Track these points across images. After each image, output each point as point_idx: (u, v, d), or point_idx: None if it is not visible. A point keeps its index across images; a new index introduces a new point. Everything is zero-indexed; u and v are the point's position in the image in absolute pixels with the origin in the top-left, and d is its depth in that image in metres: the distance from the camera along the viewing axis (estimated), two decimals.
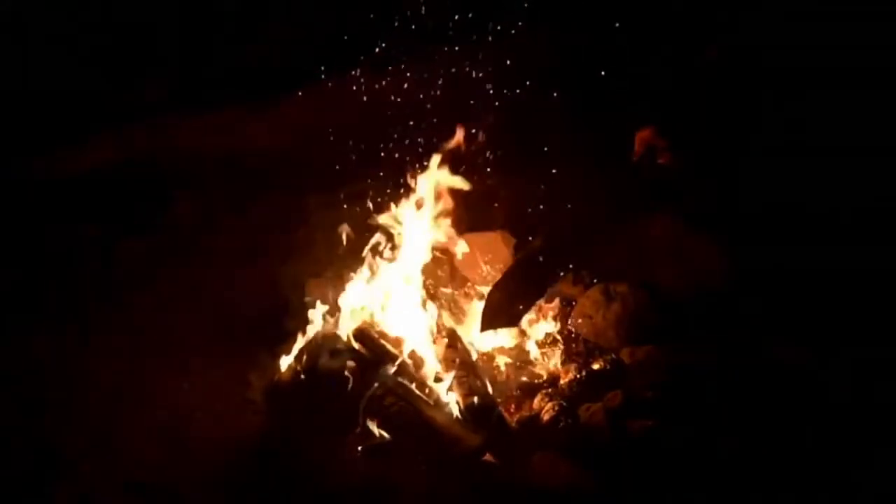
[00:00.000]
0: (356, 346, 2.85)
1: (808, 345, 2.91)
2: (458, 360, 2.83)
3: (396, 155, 3.61)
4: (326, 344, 2.89)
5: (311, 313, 3.02)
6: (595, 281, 3.36)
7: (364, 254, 3.17)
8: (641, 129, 2.91)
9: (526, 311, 3.05)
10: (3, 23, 4.86)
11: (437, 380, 2.79)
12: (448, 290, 3.32)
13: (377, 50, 4.01)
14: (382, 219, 3.22)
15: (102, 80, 4.94)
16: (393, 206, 3.23)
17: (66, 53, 4.93)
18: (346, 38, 4.12)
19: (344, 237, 3.25)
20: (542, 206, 3.59)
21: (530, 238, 3.31)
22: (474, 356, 2.98)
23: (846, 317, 2.99)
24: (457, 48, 3.98)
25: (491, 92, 3.79)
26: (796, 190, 3.26)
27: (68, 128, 4.57)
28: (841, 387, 2.75)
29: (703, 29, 3.08)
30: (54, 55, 4.91)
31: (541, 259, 2.97)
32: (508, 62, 3.87)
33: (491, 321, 2.98)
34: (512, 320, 3.03)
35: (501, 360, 3.09)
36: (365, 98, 4.03)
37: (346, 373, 2.74)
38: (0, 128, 4.45)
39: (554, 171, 3.63)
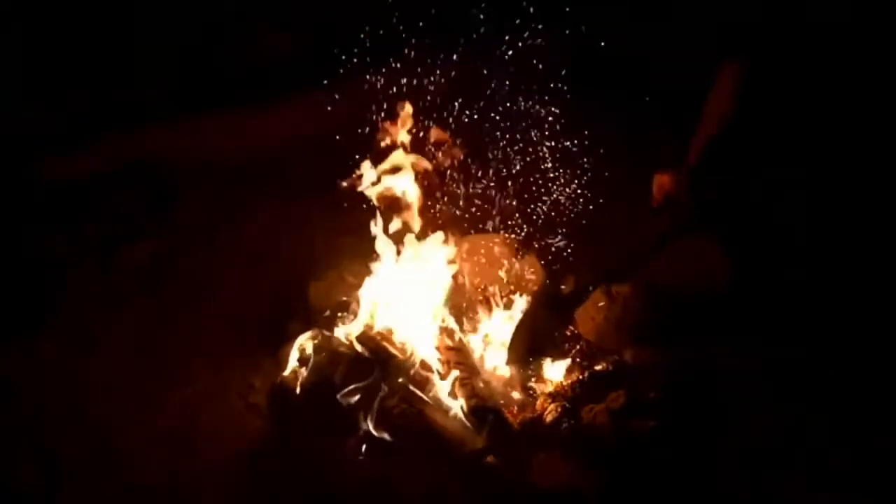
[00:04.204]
0: (359, 348, 2.86)
1: (808, 344, 2.91)
2: (461, 363, 2.83)
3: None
4: (330, 347, 2.90)
5: (314, 316, 3.03)
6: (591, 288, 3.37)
7: (367, 256, 3.18)
8: (660, 175, 2.90)
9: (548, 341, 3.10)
10: (3, 24, 4.86)
11: (441, 382, 2.80)
12: (451, 292, 3.31)
13: (379, 53, 4.01)
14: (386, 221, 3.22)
15: (103, 83, 4.94)
16: (396, 207, 3.24)
17: (66, 55, 4.93)
18: (347, 41, 4.12)
19: (347, 241, 3.25)
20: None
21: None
22: (477, 358, 2.98)
23: (847, 316, 3.00)
24: (461, 51, 3.99)
25: (494, 96, 3.82)
26: (797, 190, 3.26)
27: (70, 130, 4.57)
28: (841, 384, 2.76)
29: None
30: (55, 57, 4.92)
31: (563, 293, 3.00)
32: (514, 67, 3.90)
33: (516, 356, 3.04)
34: (537, 350, 3.09)
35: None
36: (366, 100, 4.02)
37: (349, 376, 2.74)
38: (2, 131, 4.45)
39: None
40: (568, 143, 3.83)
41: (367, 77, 4.04)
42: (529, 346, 3.03)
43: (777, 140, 2.94)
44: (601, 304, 3.20)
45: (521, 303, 3.24)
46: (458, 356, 2.88)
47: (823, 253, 3.15)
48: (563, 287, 3.04)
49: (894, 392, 2.68)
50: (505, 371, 3.03)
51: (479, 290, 3.33)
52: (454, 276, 3.28)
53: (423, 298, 3.12)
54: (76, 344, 3.15)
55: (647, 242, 3.05)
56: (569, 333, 3.21)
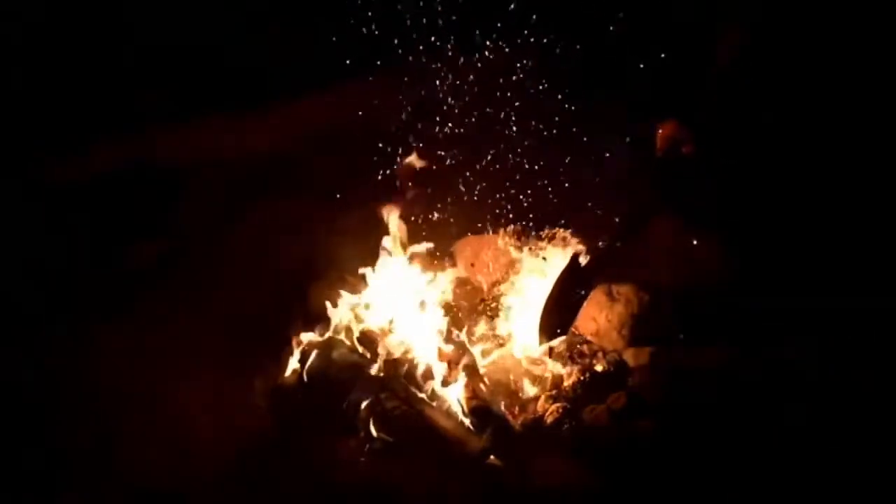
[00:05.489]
0: (360, 349, 2.86)
1: (809, 344, 2.91)
2: (461, 364, 2.83)
3: (398, 159, 3.62)
4: (330, 347, 2.90)
5: (315, 316, 3.03)
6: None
7: (368, 258, 3.18)
8: (662, 124, 2.86)
9: (574, 319, 3.05)
10: (3, 24, 4.86)
11: (442, 383, 2.80)
12: (452, 293, 3.32)
13: (379, 55, 4.02)
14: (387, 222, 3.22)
15: (103, 83, 4.94)
16: (395, 211, 3.24)
17: (67, 55, 4.93)
18: (346, 43, 4.12)
19: (347, 241, 3.25)
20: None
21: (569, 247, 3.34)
22: (477, 359, 2.98)
23: (847, 316, 3.00)
24: (460, 53, 3.98)
25: (497, 94, 3.82)
26: (797, 186, 3.26)
27: (71, 133, 4.57)
28: (842, 385, 2.76)
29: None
30: (55, 57, 4.92)
31: (582, 267, 2.97)
32: (512, 65, 3.89)
33: (547, 335, 2.98)
34: (564, 330, 3.04)
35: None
36: (367, 102, 4.03)
37: (350, 376, 2.74)
38: (3, 134, 4.45)
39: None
40: (563, 134, 3.82)
41: (367, 78, 4.05)
42: (559, 323, 2.98)
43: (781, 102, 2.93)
44: (602, 304, 3.20)
45: (536, 289, 3.22)
46: (459, 356, 2.88)
47: (823, 252, 3.16)
48: (581, 260, 2.99)
49: (894, 392, 2.69)
50: (517, 360, 3.02)
51: (486, 287, 3.33)
52: (457, 277, 3.28)
53: (424, 298, 3.13)
54: (77, 344, 3.15)
55: (654, 200, 3.00)
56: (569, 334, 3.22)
